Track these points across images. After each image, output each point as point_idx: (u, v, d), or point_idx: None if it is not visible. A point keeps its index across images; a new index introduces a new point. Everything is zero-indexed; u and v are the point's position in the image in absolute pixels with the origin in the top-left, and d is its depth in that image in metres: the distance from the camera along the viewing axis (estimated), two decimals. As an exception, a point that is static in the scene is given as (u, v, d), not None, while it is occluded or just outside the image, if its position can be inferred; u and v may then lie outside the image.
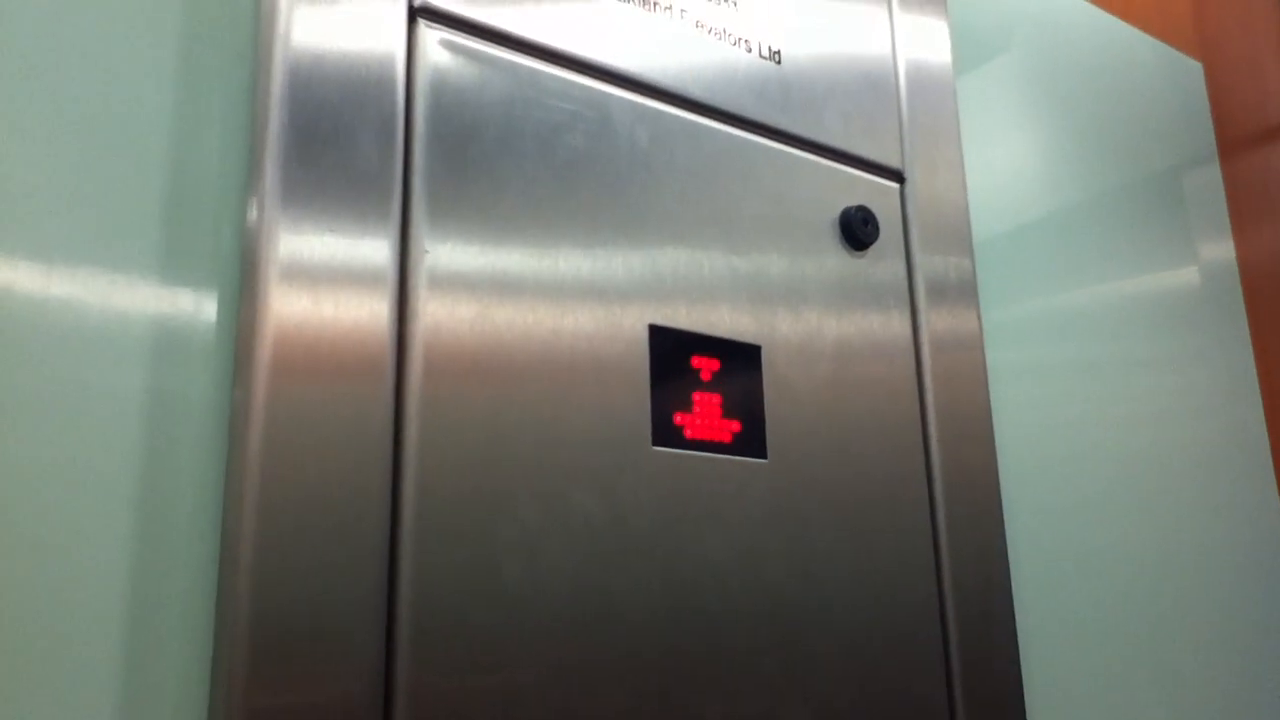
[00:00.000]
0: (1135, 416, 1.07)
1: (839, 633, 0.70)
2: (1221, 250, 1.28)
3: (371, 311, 0.55)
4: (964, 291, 0.85)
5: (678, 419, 0.65)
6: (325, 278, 0.54)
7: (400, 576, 0.53)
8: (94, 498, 0.49)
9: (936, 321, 0.82)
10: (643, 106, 0.69)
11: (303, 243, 0.53)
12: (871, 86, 0.84)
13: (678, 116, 0.71)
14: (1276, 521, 1.19)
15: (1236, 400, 1.21)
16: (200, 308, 0.54)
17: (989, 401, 0.84)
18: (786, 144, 0.77)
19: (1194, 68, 1.35)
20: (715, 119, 0.73)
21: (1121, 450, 1.04)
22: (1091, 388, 1.04)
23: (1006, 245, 1.00)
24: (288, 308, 0.52)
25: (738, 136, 0.74)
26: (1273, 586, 1.15)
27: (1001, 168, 1.03)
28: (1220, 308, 1.24)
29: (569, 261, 0.63)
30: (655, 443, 0.64)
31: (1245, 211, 1.30)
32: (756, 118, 0.75)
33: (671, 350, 0.66)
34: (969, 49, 1.03)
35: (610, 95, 0.68)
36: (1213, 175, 1.31)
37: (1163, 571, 1.04)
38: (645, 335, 0.65)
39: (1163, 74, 1.28)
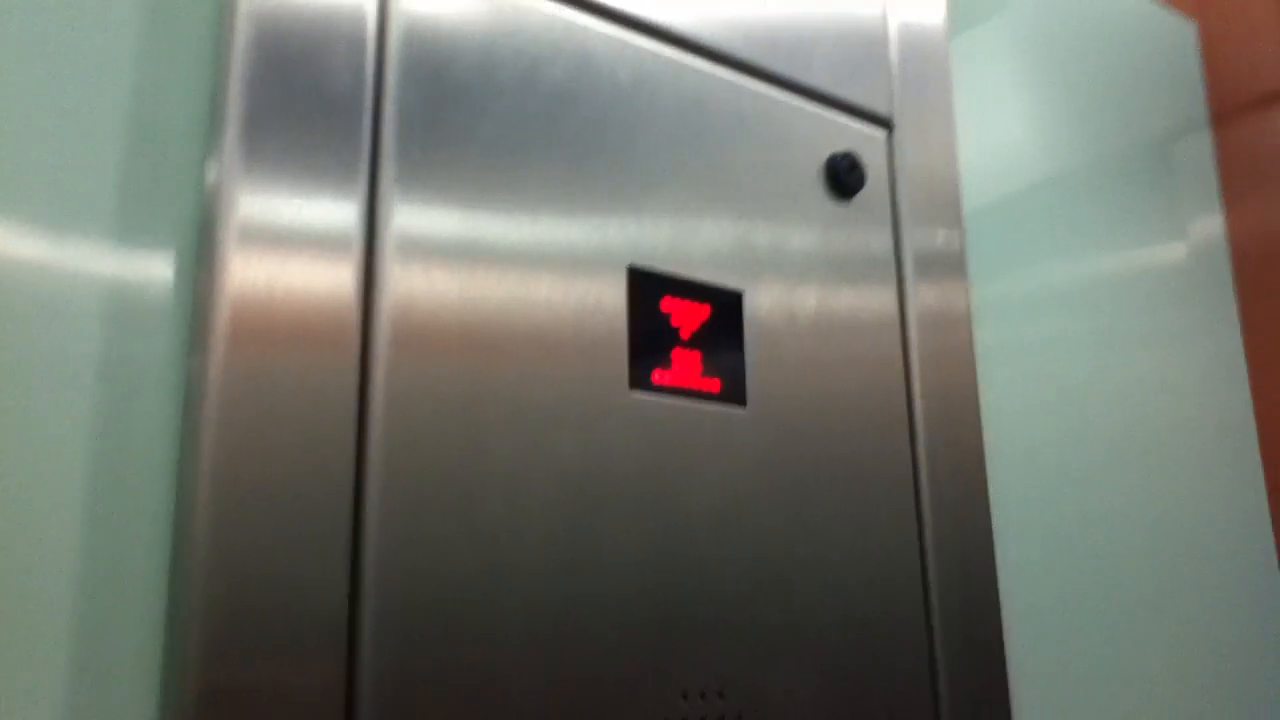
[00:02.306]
0: (1122, 393, 1.06)
1: (821, 589, 0.68)
2: (1212, 224, 1.27)
3: (337, 271, 0.52)
4: (952, 258, 0.83)
5: (656, 364, 0.64)
6: (289, 238, 0.51)
7: (365, 550, 0.51)
8: (43, 468, 0.47)
9: (923, 287, 0.80)
10: (625, 41, 0.67)
11: (265, 201, 0.51)
12: (861, 33, 0.81)
13: (661, 53, 0.69)
14: (1262, 500, 1.18)
15: (1223, 378, 1.20)
16: (158, 269, 0.51)
17: (974, 372, 0.83)
18: (773, 85, 0.75)
19: (1188, 28, 1.33)
20: (700, 57, 0.71)
21: (1108, 427, 1.03)
22: (1076, 363, 1.02)
23: (993, 216, 0.98)
24: (248, 270, 0.50)
25: (723, 76, 0.72)
26: (1259, 566, 1.14)
27: (989, 134, 1.01)
28: (1209, 283, 1.23)
29: (547, 206, 0.61)
30: (633, 387, 0.62)
31: (1237, 183, 1.29)
32: (743, 56, 0.73)
33: (651, 293, 0.64)
34: (960, 7, 1.01)
35: (591, 29, 0.65)
36: (1204, 144, 1.30)
37: (1146, 546, 1.03)
38: (624, 279, 0.63)
39: (1157, 34, 1.26)
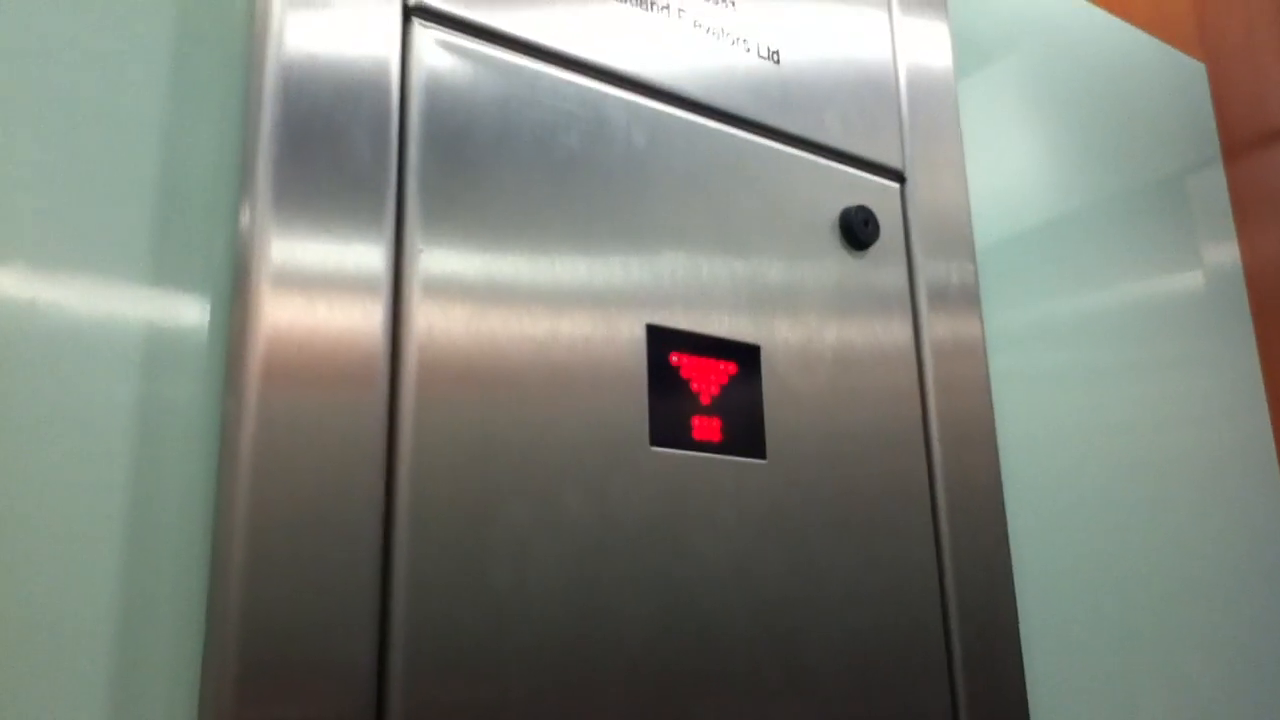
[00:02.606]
0: (1139, 422, 1.06)
1: (840, 638, 0.69)
2: (1226, 253, 1.27)
3: (365, 316, 0.54)
4: (966, 294, 0.84)
5: (676, 419, 0.65)
6: (318, 282, 0.53)
7: (394, 586, 0.52)
8: (83, 507, 0.48)
9: (938, 324, 0.81)
10: (639, 106, 0.69)
11: (295, 247, 0.53)
12: (871, 87, 0.83)
13: (675, 116, 0.70)
14: (1282, 525, 1.18)
15: (1242, 405, 1.20)
16: (192, 313, 0.53)
17: (991, 406, 0.84)
18: (785, 144, 0.76)
19: (1197, 68, 1.34)
20: (713, 119, 0.72)
21: (1125, 456, 1.03)
22: (1095, 393, 1.03)
23: (1009, 250, 0.99)
24: (280, 313, 0.52)
25: (736, 136, 0.73)
26: (1277, 590, 1.14)
27: (1003, 172, 1.02)
28: (1225, 312, 1.23)
29: (565, 263, 0.63)
30: (654, 443, 0.63)
31: (1250, 214, 1.29)
32: (755, 117, 0.74)
33: (669, 350, 0.66)
34: (970, 52, 1.02)
35: (607, 95, 0.67)
36: (1217, 178, 1.30)
37: (1167, 578, 1.03)
38: (643, 335, 0.65)
39: (1165, 75, 1.28)
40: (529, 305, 0.60)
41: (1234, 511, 1.13)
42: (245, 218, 0.53)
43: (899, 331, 0.79)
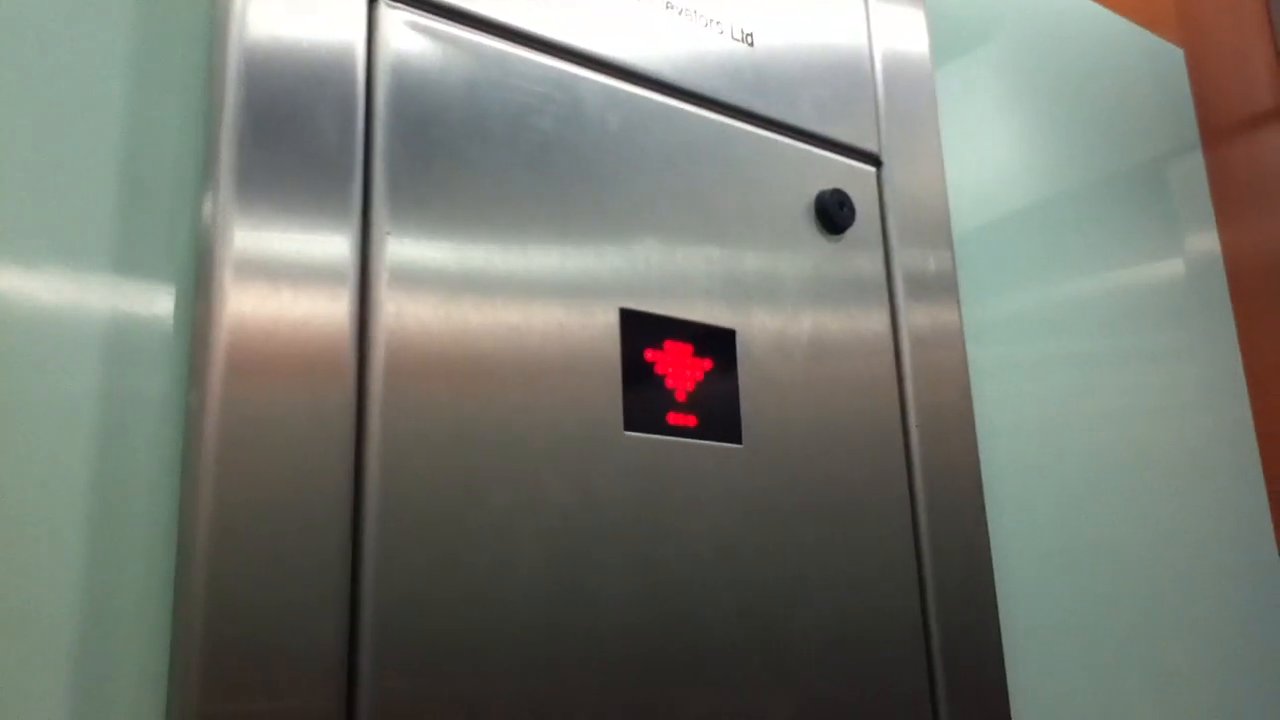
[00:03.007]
0: (1119, 411, 1.06)
1: (818, 623, 0.68)
2: (1206, 241, 1.27)
3: (332, 304, 0.53)
4: (943, 281, 0.84)
5: (651, 404, 0.64)
6: (283, 270, 0.52)
7: (363, 578, 0.52)
8: (47, 499, 0.47)
9: (915, 311, 0.81)
10: (613, 89, 0.68)
11: (260, 234, 0.52)
12: (846, 70, 0.83)
13: (648, 99, 0.70)
14: (1263, 516, 1.18)
15: (1222, 393, 1.20)
16: (156, 303, 0.52)
17: (969, 394, 0.83)
18: (760, 126, 0.76)
19: (1176, 54, 1.34)
20: (687, 101, 0.72)
21: (1105, 444, 1.03)
22: (1074, 381, 1.03)
23: (987, 238, 0.99)
24: (244, 302, 0.51)
25: (710, 119, 0.73)
26: (1259, 581, 1.14)
27: (981, 158, 1.02)
28: (1205, 299, 1.23)
29: (537, 248, 0.62)
30: (628, 428, 0.63)
31: (1230, 201, 1.29)
32: (729, 100, 0.74)
33: (644, 335, 0.65)
34: (948, 38, 1.02)
35: (580, 77, 0.67)
36: (1196, 165, 1.30)
37: (1146, 565, 1.03)
38: (616, 321, 0.64)
39: (1144, 61, 1.28)
40: (501, 291, 0.60)
41: (1214, 499, 1.13)
42: (208, 205, 0.52)
43: (876, 318, 0.78)
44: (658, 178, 0.69)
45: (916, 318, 0.81)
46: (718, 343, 0.69)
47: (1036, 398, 0.98)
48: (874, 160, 0.83)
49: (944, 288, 0.84)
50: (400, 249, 0.56)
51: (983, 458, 0.84)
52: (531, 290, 0.61)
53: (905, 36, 0.89)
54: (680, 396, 0.66)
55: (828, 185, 0.78)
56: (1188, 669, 1.02)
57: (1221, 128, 1.31)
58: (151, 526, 0.50)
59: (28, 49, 0.51)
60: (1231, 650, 1.07)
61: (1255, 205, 1.28)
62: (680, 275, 0.68)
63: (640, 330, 0.65)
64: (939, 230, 0.85)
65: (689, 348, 0.67)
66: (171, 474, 0.50)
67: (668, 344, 0.66)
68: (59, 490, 0.48)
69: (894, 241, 0.81)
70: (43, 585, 0.46)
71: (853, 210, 0.78)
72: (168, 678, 0.48)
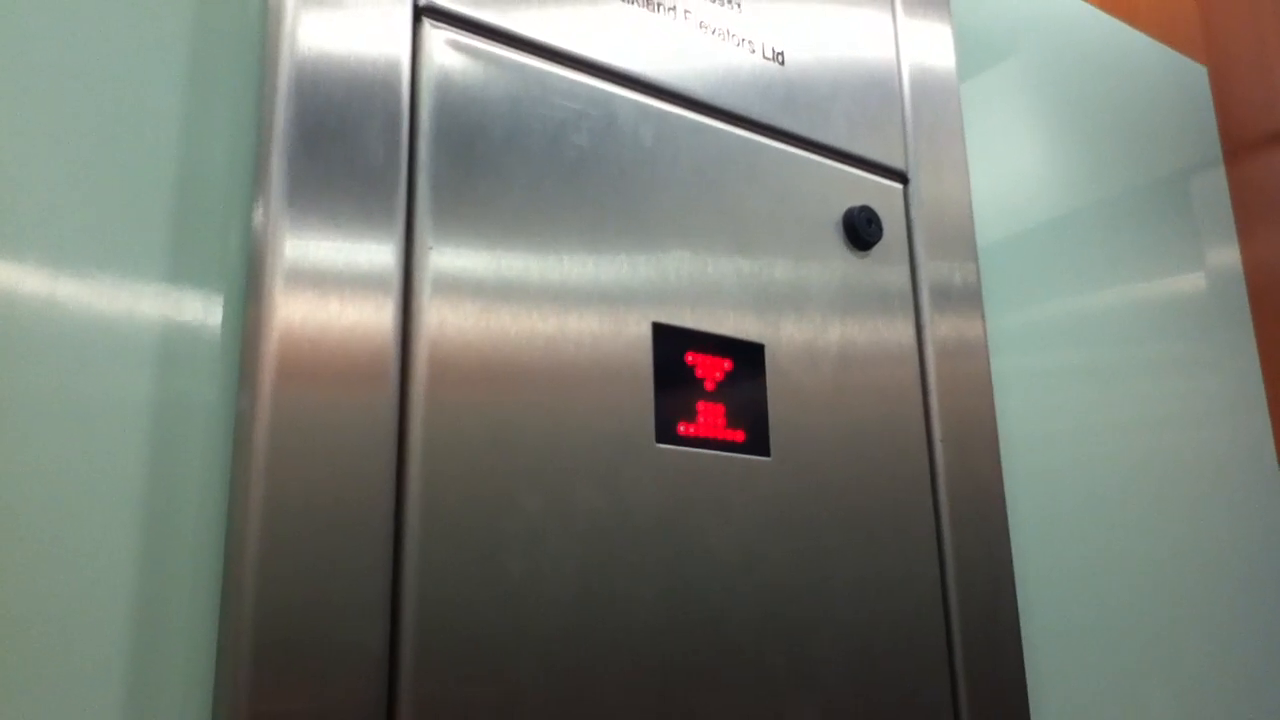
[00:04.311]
0: (1140, 421, 1.07)
1: (842, 632, 0.70)
2: (1227, 255, 1.28)
3: (377, 312, 0.55)
4: (968, 294, 0.85)
5: (681, 417, 0.66)
6: (331, 279, 0.54)
7: (405, 581, 0.53)
8: (99, 503, 0.49)
9: (940, 323, 0.82)
10: (647, 106, 0.69)
11: (308, 244, 0.54)
12: (875, 88, 0.84)
13: (682, 116, 0.71)
14: (1284, 525, 1.19)
15: (1242, 404, 1.21)
16: (206, 312, 0.54)
17: (993, 405, 0.84)
18: (790, 144, 0.77)
19: (1199, 71, 1.35)
20: (719, 119, 0.73)
21: (1126, 455, 1.04)
22: (1096, 392, 1.04)
23: (1011, 250, 1.00)
24: (293, 310, 0.52)
25: (741, 136, 0.74)
26: (1277, 588, 1.15)
27: (1006, 173, 1.03)
28: (1226, 312, 1.24)
29: (573, 261, 0.63)
30: (659, 440, 0.64)
31: (1251, 216, 1.30)
32: (760, 118, 0.75)
33: (675, 348, 0.67)
34: (974, 54, 1.03)
35: (615, 95, 0.68)
36: (1218, 179, 1.31)
37: (1168, 578, 1.03)
38: (649, 334, 0.66)
39: (1167, 78, 1.28)
40: (538, 302, 0.61)
41: (1234, 510, 1.13)
42: (259, 215, 0.54)
43: (902, 330, 0.80)
44: (690, 193, 0.70)
45: (941, 330, 0.82)
46: (747, 356, 0.70)
47: (1058, 408, 0.99)
48: (901, 177, 0.84)
49: (968, 300, 0.85)
50: (442, 260, 0.58)
51: (1005, 467, 0.85)
52: (567, 301, 0.62)
53: (933, 53, 0.90)
54: (711, 409, 0.67)
55: (856, 202, 0.79)
56: (1209, 679, 1.02)
57: (1243, 143, 1.32)
58: (201, 528, 0.51)
59: (83, 63, 0.53)
60: (1252, 660, 1.08)
61: (1276, 220, 1.28)
62: (711, 288, 0.69)
63: (672, 343, 0.66)
64: (964, 244, 0.87)
65: (719, 361, 0.69)
66: (221, 477, 0.52)
67: (698, 357, 0.68)
68: (111, 493, 0.49)
69: (920, 255, 0.82)
70: (95, 585, 0.48)
71: (880, 227, 0.79)
72: (215, 677, 0.49)
